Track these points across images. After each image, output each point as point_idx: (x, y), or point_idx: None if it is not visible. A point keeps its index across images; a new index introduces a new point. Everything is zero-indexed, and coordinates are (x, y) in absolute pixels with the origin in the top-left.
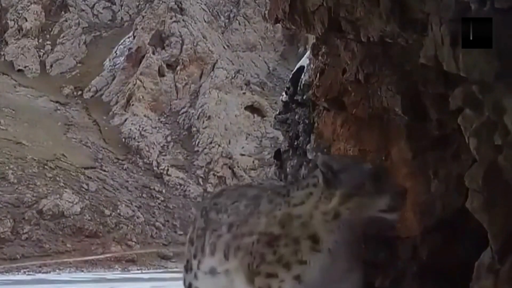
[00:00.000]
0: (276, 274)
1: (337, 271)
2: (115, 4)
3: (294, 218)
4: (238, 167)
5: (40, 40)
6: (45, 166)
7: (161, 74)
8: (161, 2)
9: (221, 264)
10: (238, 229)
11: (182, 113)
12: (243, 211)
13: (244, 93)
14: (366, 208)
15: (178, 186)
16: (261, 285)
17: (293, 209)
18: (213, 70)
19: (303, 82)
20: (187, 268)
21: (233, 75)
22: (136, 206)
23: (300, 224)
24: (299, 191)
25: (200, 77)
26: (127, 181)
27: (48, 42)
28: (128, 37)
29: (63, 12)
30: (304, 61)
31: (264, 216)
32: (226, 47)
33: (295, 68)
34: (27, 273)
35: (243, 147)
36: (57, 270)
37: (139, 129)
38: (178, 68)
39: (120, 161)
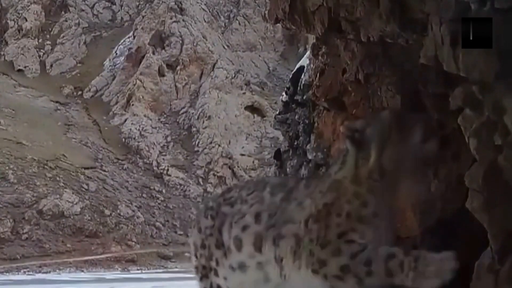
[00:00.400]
0: (352, 228)
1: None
2: (115, 4)
3: (342, 180)
4: (238, 167)
5: (40, 40)
6: (45, 166)
7: (161, 74)
8: (161, 2)
9: (251, 257)
10: (272, 219)
11: (182, 113)
12: (270, 199)
13: (244, 93)
14: (403, 149)
15: (178, 186)
16: (336, 250)
17: (337, 175)
18: (213, 70)
19: (303, 82)
20: (203, 275)
21: (233, 75)
22: (136, 206)
23: (350, 181)
24: (334, 166)
25: (200, 77)
26: (127, 181)
27: (48, 42)
28: (128, 37)
29: (63, 12)
30: (304, 61)
31: (307, 198)
32: (226, 47)
33: (295, 68)
34: (27, 273)
35: (243, 147)
36: (57, 270)
37: (139, 129)
38: (178, 68)
39: (120, 161)
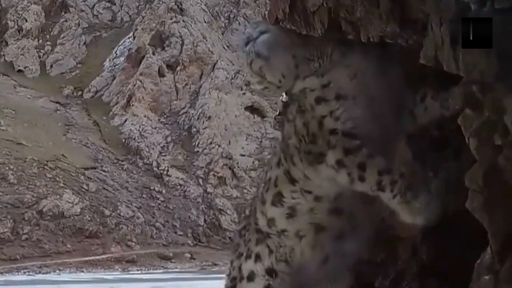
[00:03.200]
0: (330, 112)
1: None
2: (115, 4)
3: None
4: (238, 167)
5: (40, 41)
6: (45, 167)
7: (161, 74)
8: (161, 2)
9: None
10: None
11: (182, 114)
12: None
13: (244, 94)
14: None
15: (178, 187)
16: (326, 142)
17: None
18: (213, 70)
19: None
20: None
21: (233, 76)
22: (136, 207)
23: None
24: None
25: (200, 77)
26: (127, 182)
27: (48, 43)
28: (128, 38)
29: (63, 13)
30: None
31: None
32: (226, 47)
33: None
34: (27, 273)
35: (243, 148)
36: (57, 271)
37: (139, 130)
38: (178, 68)
39: (120, 161)
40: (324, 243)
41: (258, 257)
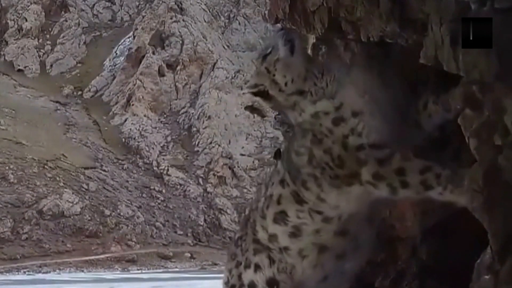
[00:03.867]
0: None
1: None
2: (115, 4)
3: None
4: (238, 167)
5: (40, 40)
6: (45, 166)
7: (161, 74)
8: (161, 2)
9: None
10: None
11: (182, 113)
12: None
13: (244, 93)
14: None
15: (178, 186)
16: (355, 161)
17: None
18: (213, 70)
19: None
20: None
21: (233, 75)
22: (136, 206)
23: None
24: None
25: (200, 77)
26: (127, 181)
27: (48, 42)
28: (128, 37)
29: (63, 12)
30: None
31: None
32: (226, 47)
33: None
34: (27, 273)
35: (243, 147)
36: (57, 270)
37: (139, 129)
38: (178, 68)
39: (120, 161)
40: (325, 263)
41: (257, 267)
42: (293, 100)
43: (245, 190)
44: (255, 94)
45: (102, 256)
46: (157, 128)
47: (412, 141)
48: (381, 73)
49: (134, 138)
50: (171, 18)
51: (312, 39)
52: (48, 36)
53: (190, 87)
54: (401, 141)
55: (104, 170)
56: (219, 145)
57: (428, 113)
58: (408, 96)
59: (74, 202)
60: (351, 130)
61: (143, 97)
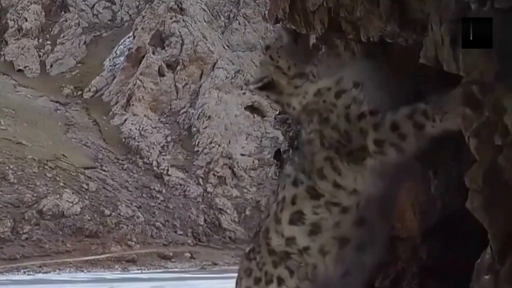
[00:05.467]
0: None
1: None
2: (115, 4)
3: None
4: (238, 167)
5: (40, 40)
6: (45, 166)
7: (161, 74)
8: (161, 2)
9: None
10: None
11: (182, 113)
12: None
13: (244, 93)
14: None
15: (178, 186)
16: (359, 130)
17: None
18: (213, 70)
19: None
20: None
21: (233, 75)
22: (136, 206)
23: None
24: None
25: (200, 77)
26: (127, 181)
27: (48, 42)
28: (128, 37)
29: (63, 12)
30: None
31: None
32: (226, 47)
33: None
34: (27, 273)
35: (243, 147)
36: (57, 270)
37: (139, 129)
38: (178, 68)
39: (120, 161)
40: (346, 257)
41: (281, 280)
42: (295, 84)
43: (245, 190)
44: (261, 88)
45: (102, 256)
46: (157, 128)
47: None
48: (382, 68)
49: (134, 138)
50: (171, 18)
51: (312, 39)
52: (48, 36)
53: (190, 87)
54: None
55: (104, 170)
56: (219, 145)
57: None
58: (410, 98)
59: (74, 202)
60: (353, 99)
61: (143, 97)
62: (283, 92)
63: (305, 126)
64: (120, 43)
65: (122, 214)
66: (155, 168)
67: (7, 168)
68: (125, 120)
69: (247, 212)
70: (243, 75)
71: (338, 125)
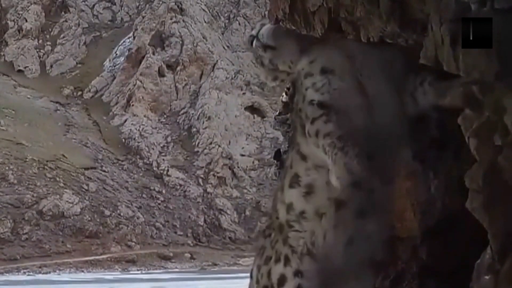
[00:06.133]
0: None
1: None
2: (115, 4)
3: None
4: (238, 167)
5: (40, 41)
6: (45, 167)
7: (161, 74)
8: (161, 2)
9: None
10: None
11: (182, 114)
12: None
13: (244, 94)
14: None
15: (178, 187)
16: None
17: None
18: (213, 70)
19: None
20: None
21: (233, 76)
22: (136, 207)
23: None
24: None
25: (200, 77)
26: (127, 182)
27: (48, 43)
28: (128, 38)
29: (63, 13)
30: None
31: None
32: (226, 47)
33: None
34: (27, 273)
35: (243, 148)
36: (57, 271)
37: (139, 130)
38: (178, 68)
39: (120, 161)
40: (346, 221)
41: (287, 260)
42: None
43: (245, 191)
44: (281, 81)
45: (102, 256)
46: (157, 129)
47: (405, 112)
48: (375, 45)
49: (134, 139)
50: (171, 19)
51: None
52: (48, 36)
53: (190, 88)
54: (389, 110)
55: (104, 171)
56: (219, 146)
57: (423, 90)
58: (405, 67)
59: (74, 203)
60: (312, 84)
61: (143, 97)
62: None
63: (295, 94)
64: (120, 44)
65: (122, 214)
66: (155, 168)
67: (7, 168)
68: (125, 120)
69: (247, 213)
70: (243, 76)
71: (298, 101)
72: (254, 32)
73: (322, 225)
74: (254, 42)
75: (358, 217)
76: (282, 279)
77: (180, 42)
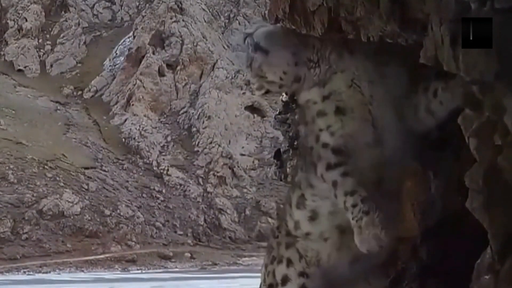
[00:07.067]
0: None
1: None
2: (115, 4)
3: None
4: (238, 167)
5: (40, 40)
6: (45, 166)
7: (161, 74)
8: (161, 2)
9: None
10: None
11: (182, 113)
12: None
13: (244, 93)
14: None
15: (178, 186)
16: None
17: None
18: (213, 70)
19: None
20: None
21: (233, 75)
22: (136, 206)
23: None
24: None
25: (200, 77)
26: (127, 181)
27: (48, 42)
28: (128, 37)
29: (63, 12)
30: None
31: None
32: (226, 47)
33: None
34: (27, 273)
35: (243, 147)
36: (57, 270)
37: (139, 129)
38: (178, 68)
39: (120, 161)
40: (350, 244)
41: (290, 262)
42: (295, 88)
43: (245, 190)
44: (266, 92)
45: (102, 256)
46: (157, 128)
47: (418, 128)
48: (379, 58)
49: (134, 138)
50: (171, 18)
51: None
52: (48, 36)
53: (190, 87)
54: (395, 131)
55: (104, 170)
56: (219, 145)
57: (439, 100)
58: (409, 87)
59: (74, 202)
60: (327, 127)
61: (143, 97)
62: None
63: (301, 120)
64: (120, 43)
65: (122, 214)
66: (155, 168)
67: (7, 168)
68: (125, 120)
69: (247, 212)
70: (243, 75)
71: (308, 138)
72: (250, 30)
73: (326, 247)
74: (247, 39)
75: None
76: (285, 279)
77: (180, 41)
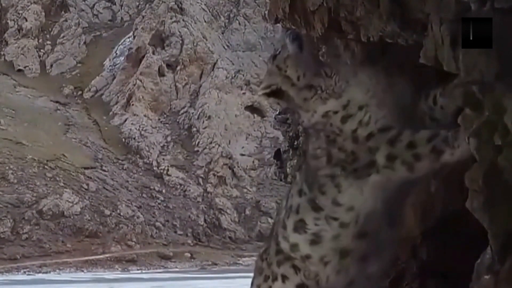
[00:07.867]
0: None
1: None
2: (115, 4)
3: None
4: (238, 167)
5: (40, 40)
6: (45, 166)
7: (161, 74)
8: (161, 2)
9: None
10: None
11: (182, 113)
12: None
13: (244, 93)
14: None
15: (178, 186)
16: (368, 149)
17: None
18: (213, 70)
19: None
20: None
21: (233, 75)
22: (136, 206)
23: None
24: None
25: (200, 77)
26: (127, 181)
27: (48, 42)
28: (128, 37)
29: (63, 12)
30: None
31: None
32: (226, 47)
33: None
34: (27, 273)
35: (243, 147)
36: (57, 270)
37: (139, 129)
38: (178, 68)
39: (120, 161)
40: (349, 267)
41: (285, 278)
42: (304, 96)
43: (245, 190)
44: (268, 94)
45: (102, 256)
46: (157, 128)
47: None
48: (387, 74)
49: (134, 138)
50: (171, 18)
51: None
52: (48, 36)
53: (190, 87)
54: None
55: (104, 170)
56: (219, 145)
57: (440, 106)
58: (414, 95)
59: (74, 202)
60: (359, 123)
61: (143, 97)
62: (290, 101)
63: (312, 140)
64: (120, 43)
65: (122, 214)
66: (155, 168)
67: (7, 168)
68: (125, 120)
69: (247, 212)
70: (243, 75)
71: (345, 146)
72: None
73: (326, 271)
74: (289, 31)
75: (361, 262)
76: None
77: (180, 41)
